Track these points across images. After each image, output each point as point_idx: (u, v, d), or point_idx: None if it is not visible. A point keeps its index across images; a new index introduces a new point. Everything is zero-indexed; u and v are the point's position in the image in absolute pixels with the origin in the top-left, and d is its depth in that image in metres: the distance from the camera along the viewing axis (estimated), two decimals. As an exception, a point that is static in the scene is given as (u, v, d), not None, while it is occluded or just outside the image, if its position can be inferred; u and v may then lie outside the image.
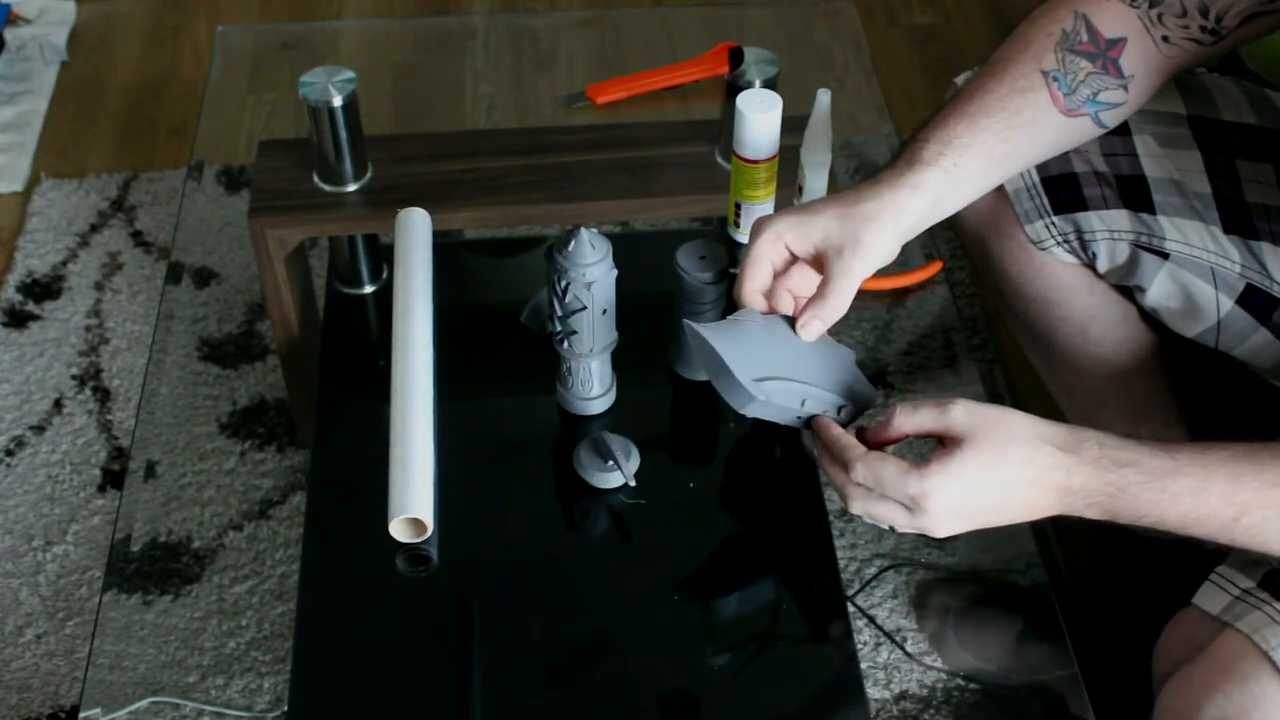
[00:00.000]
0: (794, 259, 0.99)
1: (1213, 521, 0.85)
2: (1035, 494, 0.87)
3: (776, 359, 0.97)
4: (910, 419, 0.90)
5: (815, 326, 0.97)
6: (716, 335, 0.97)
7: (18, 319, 1.76)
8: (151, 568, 1.25)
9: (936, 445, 0.90)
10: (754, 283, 0.98)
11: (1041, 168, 1.13)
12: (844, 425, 0.97)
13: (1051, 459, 0.86)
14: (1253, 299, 1.10)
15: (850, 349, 1.02)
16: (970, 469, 0.86)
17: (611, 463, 1.10)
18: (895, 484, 0.87)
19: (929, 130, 1.01)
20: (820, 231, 0.96)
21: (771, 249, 0.98)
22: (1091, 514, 0.87)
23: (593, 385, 1.15)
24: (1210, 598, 0.93)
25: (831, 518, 1.24)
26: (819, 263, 0.97)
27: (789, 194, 1.35)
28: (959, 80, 1.22)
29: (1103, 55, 1.03)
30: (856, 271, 0.96)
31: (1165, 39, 1.04)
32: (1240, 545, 0.87)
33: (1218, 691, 0.86)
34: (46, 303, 1.78)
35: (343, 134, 1.35)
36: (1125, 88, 1.05)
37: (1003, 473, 0.87)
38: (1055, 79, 1.02)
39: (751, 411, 0.97)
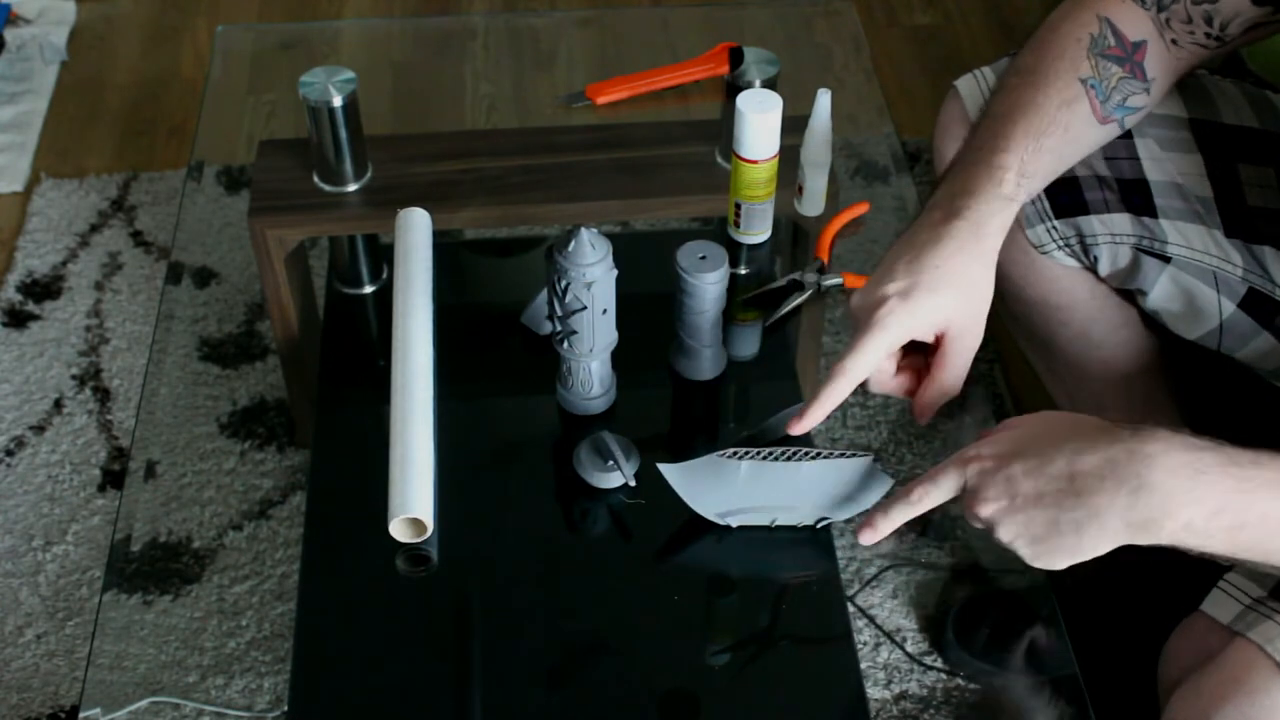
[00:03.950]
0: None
1: None
2: (1102, 440, 0.82)
3: (751, 494, 1.00)
4: (934, 487, 0.89)
5: (930, 411, 0.96)
6: (682, 481, 1.01)
7: (18, 319, 1.76)
8: (151, 568, 1.25)
9: None
10: (859, 373, 0.95)
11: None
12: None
13: (1114, 426, 0.83)
14: (1254, 302, 1.10)
15: (867, 458, 1.01)
16: (1025, 422, 0.87)
17: (611, 463, 1.10)
18: (955, 457, 0.88)
19: (998, 154, 0.99)
20: (943, 316, 0.95)
21: (892, 343, 0.95)
22: (1174, 514, 0.80)
23: (593, 385, 1.15)
24: (1220, 606, 0.92)
25: (831, 518, 1.24)
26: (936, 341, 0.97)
27: (789, 194, 1.35)
28: (959, 84, 1.22)
29: (1129, 59, 1.04)
30: (974, 349, 0.96)
31: (1174, 42, 1.05)
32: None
33: (1228, 703, 0.85)
34: (46, 303, 1.78)
35: (343, 134, 1.35)
36: (1148, 91, 1.06)
37: (1061, 424, 0.86)
38: (1093, 86, 1.03)
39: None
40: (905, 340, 0.95)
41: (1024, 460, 0.84)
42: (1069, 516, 0.82)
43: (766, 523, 1.00)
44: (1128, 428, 0.82)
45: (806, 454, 0.98)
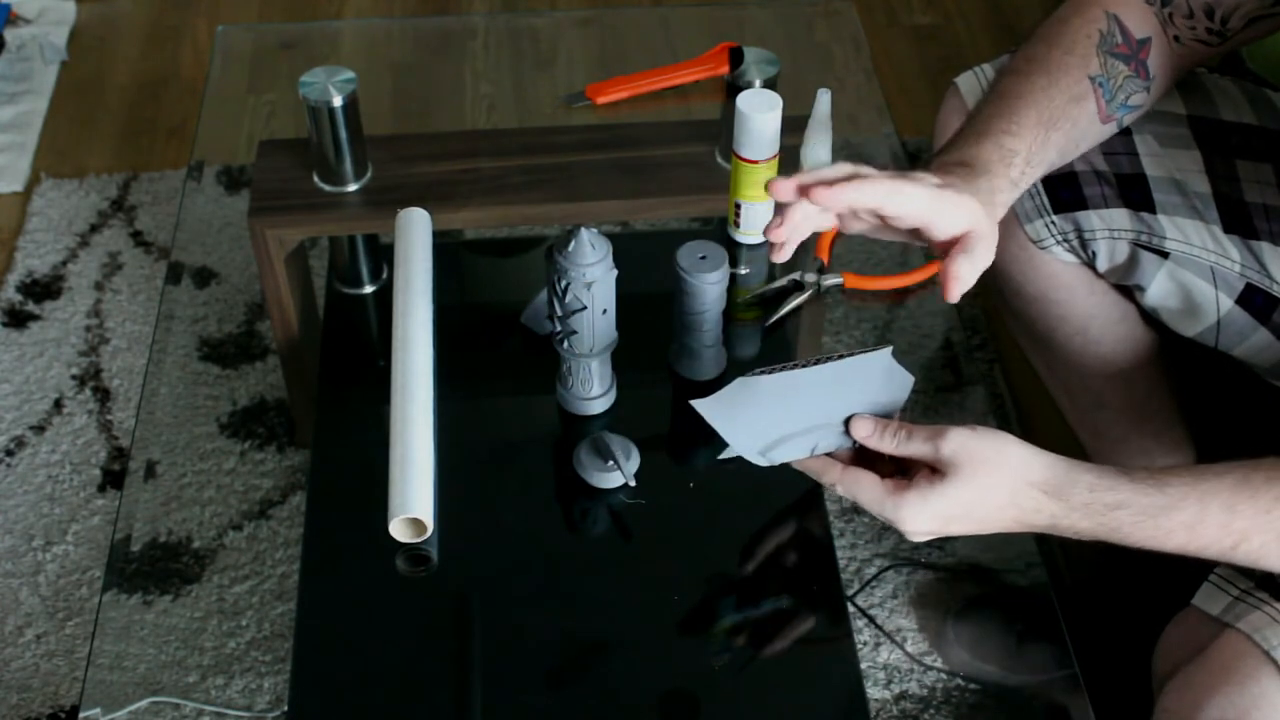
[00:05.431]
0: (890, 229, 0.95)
1: (1211, 550, 0.86)
2: (1015, 527, 0.89)
3: (786, 414, 0.96)
4: (904, 445, 0.91)
5: (963, 285, 0.91)
6: (716, 413, 0.97)
7: (18, 319, 1.76)
8: (151, 568, 1.25)
9: (924, 467, 0.90)
10: (887, 200, 0.90)
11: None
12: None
13: (1036, 503, 0.87)
14: (1252, 298, 1.10)
15: (885, 351, 0.97)
16: (946, 502, 0.88)
17: (611, 463, 1.10)
18: (872, 504, 0.90)
19: (1009, 137, 0.97)
20: (971, 219, 0.91)
21: (923, 206, 0.90)
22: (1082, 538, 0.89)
23: (593, 385, 1.15)
24: (1210, 598, 0.93)
25: (831, 518, 1.24)
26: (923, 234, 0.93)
27: (789, 194, 1.35)
28: (959, 80, 1.22)
29: (1134, 57, 1.04)
30: (991, 255, 0.92)
31: (1177, 39, 1.05)
32: (1241, 565, 0.88)
33: (1218, 692, 0.86)
34: (46, 303, 1.78)
35: (343, 134, 1.35)
36: (1148, 90, 1.06)
37: (980, 510, 0.88)
38: (1100, 85, 1.03)
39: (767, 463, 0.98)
40: (929, 215, 0.90)
41: (960, 523, 0.89)
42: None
43: (807, 453, 0.97)
44: (1051, 499, 0.87)
45: (828, 357, 0.96)
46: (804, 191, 0.90)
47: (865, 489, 0.90)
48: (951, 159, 0.97)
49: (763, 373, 0.95)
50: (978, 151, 0.97)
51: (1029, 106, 1.00)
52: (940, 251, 0.93)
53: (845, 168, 0.92)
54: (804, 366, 0.95)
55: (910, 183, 0.90)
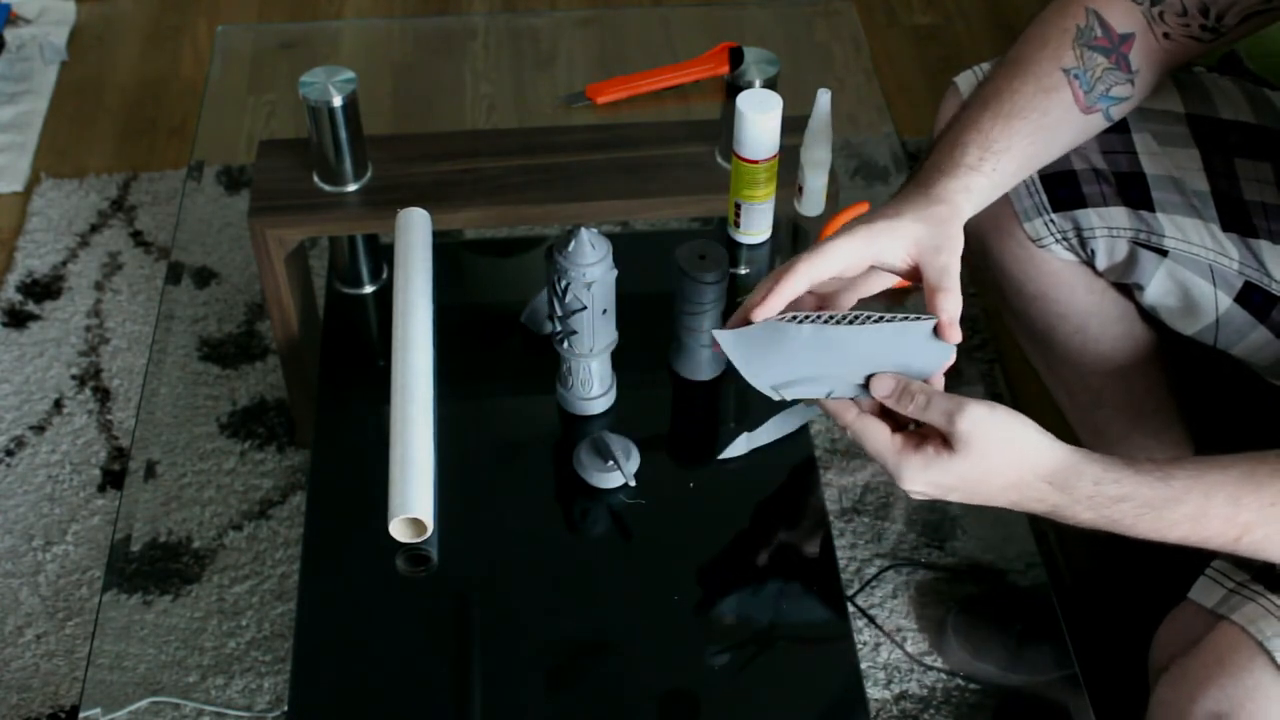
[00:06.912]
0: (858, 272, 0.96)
1: (1214, 542, 0.87)
2: (1014, 508, 0.89)
3: (810, 362, 0.94)
4: (922, 412, 0.90)
5: (958, 329, 0.93)
6: (736, 348, 0.95)
7: (18, 319, 1.76)
8: (151, 568, 1.25)
9: (937, 434, 0.90)
10: (814, 272, 0.92)
11: (1040, 164, 1.14)
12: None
13: (1040, 493, 0.87)
14: (1251, 297, 1.10)
15: (930, 322, 0.94)
16: (950, 477, 0.88)
17: (611, 463, 1.10)
18: (876, 454, 0.90)
19: (965, 132, 1.00)
20: (912, 238, 0.93)
21: (856, 254, 0.93)
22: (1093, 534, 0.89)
23: (593, 385, 1.15)
24: (1206, 591, 0.94)
25: (831, 518, 1.24)
26: (914, 272, 0.94)
27: (789, 194, 1.35)
28: (959, 80, 1.22)
29: (1115, 50, 1.04)
30: (956, 268, 0.93)
31: (1166, 35, 1.05)
32: (1243, 557, 0.88)
33: (1212, 684, 0.87)
34: (46, 303, 1.78)
35: (343, 134, 1.35)
36: (1132, 82, 1.06)
37: (982, 488, 0.89)
38: (1076, 76, 1.03)
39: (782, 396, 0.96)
40: (868, 258, 0.93)
41: (959, 494, 0.89)
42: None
43: (822, 394, 0.95)
44: (1055, 490, 0.87)
45: (869, 317, 0.93)
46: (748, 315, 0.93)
47: (873, 438, 0.90)
48: (912, 180, 1.00)
49: (795, 319, 0.93)
50: (933, 161, 0.99)
51: (989, 98, 1.02)
52: (925, 292, 0.94)
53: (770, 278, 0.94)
54: (840, 322, 0.93)
55: (831, 241, 0.93)
